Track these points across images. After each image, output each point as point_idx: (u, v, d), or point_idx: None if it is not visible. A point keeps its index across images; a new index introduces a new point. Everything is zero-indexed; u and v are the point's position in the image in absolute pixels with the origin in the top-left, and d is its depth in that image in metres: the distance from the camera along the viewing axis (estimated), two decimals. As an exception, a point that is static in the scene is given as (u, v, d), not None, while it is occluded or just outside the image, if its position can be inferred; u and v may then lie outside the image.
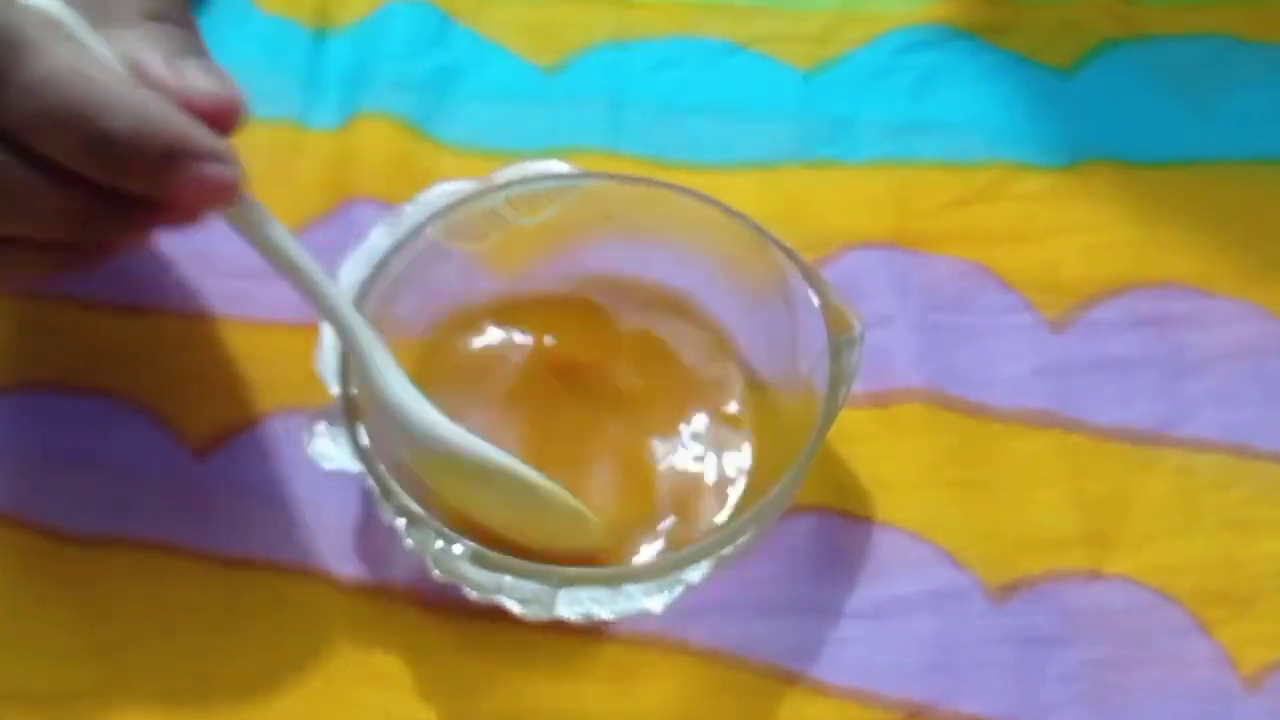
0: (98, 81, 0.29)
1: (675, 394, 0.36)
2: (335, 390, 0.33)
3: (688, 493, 0.35)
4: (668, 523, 0.34)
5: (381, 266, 0.35)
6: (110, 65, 0.30)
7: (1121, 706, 0.33)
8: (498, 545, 0.31)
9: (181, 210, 0.31)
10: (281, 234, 0.32)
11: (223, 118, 0.30)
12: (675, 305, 0.37)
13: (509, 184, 0.36)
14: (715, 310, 0.37)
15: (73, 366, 0.38)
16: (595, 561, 0.33)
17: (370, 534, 0.34)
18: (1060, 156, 0.42)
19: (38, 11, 0.30)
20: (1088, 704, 0.33)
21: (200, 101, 0.30)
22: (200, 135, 0.30)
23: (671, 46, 0.45)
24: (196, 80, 0.30)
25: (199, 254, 0.39)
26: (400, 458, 0.33)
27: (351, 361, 0.33)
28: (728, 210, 0.36)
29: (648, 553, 0.34)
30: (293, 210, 0.40)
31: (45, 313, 0.39)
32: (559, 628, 0.33)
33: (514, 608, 0.31)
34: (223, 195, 0.30)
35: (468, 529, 0.32)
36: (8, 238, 0.31)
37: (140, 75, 0.30)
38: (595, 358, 0.37)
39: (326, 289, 0.33)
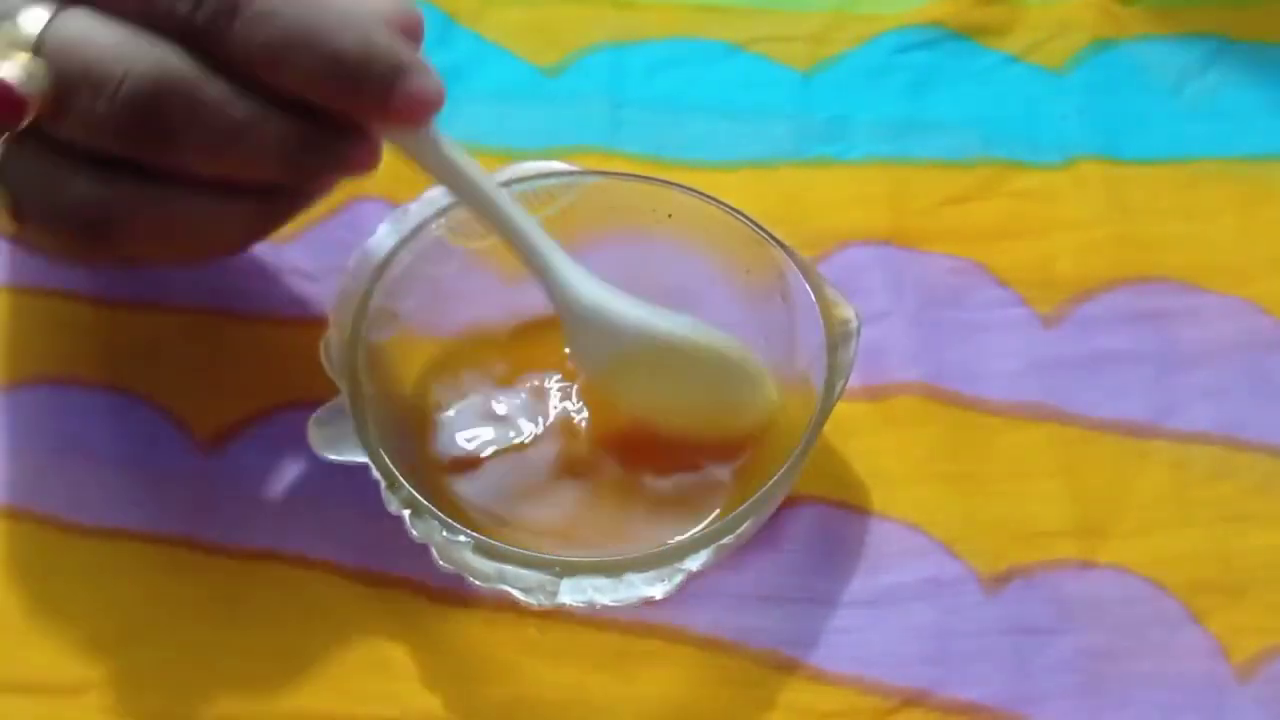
0: (319, 6, 0.30)
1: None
2: (341, 384, 0.33)
3: (688, 485, 0.35)
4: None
5: (387, 263, 0.35)
6: None
7: (1114, 695, 0.33)
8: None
9: (371, 147, 0.32)
10: (460, 155, 0.33)
11: (412, 32, 0.32)
12: (675, 302, 0.38)
13: (510, 182, 0.37)
14: (714, 306, 0.38)
15: (80, 361, 0.38)
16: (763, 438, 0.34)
17: (375, 525, 0.34)
18: (1053, 155, 0.42)
19: None
20: (1081, 693, 0.33)
21: (393, 19, 0.31)
22: (411, 50, 0.31)
23: (671, 47, 0.45)
24: (382, 3, 0.31)
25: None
26: (600, 367, 0.34)
27: (537, 278, 0.34)
28: (726, 208, 0.36)
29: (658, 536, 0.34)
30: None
31: (53, 308, 0.39)
32: (561, 615, 0.33)
33: (517, 596, 0.32)
34: (434, 106, 0.32)
35: (470, 522, 0.32)
36: (215, 186, 0.31)
37: None
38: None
39: (506, 207, 0.33)
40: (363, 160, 0.32)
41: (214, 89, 0.30)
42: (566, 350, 0.35)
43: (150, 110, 0.29)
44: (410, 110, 0.31)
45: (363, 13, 0.31)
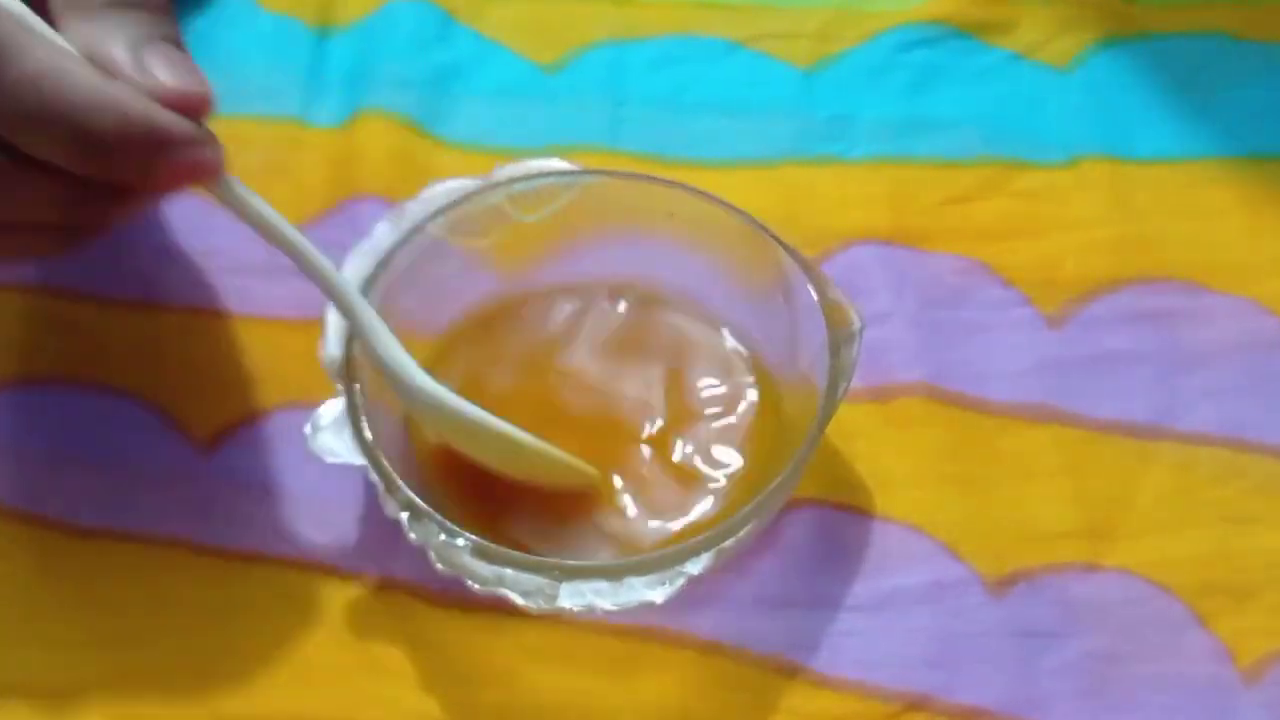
0: (77, 80, 0.29)
1: (676, 386, 0.37)
2: (339, 385, 0.33)
3: (688, 485, 0.35)
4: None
5: (385, 263, 0.35)
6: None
7: (1120, 698, 0.33)
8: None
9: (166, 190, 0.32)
10: (264, 206, 0.32)
11: (190, 110, 0.31)
12: (675, 301, 0.38)
13: (510, 181, 0.37)
14: (715, 306, 0.37)
15: (77, 361, 0.38)
16: (589, 499, 0.34)
17: (374, 528, 0.34)
18: (1057, 154, 0.42)
19: (8, 11, 0.30)
20: (1086, 696, 0.33)
21: (167, 97, 0.30)
22: (179, 124, 0.30)
23: (671, 45, 0.45)
24: (161, 76, 0.31)
25: (204, 250, 0.40)
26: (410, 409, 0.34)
27: (349, 329, 0.33)
28: (728, 206, 0.36)
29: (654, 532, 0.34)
30: (297, 207, 0.41)
31: (50, 307, 0.39)
32: (561, 619, 0.33)
33: (517, 600, 0.32)
34: (206, 177, 0.31)
35: (470, 523, 0.32)
36: (4, 223, 0.31)
37: (105, 70, 0.30)
38: (596, 356, 0.37)
39: (315, 258, 0.33)
40: (144, 203, 0.32)
41: None
42: None
43: None
44: (179, 183, 0.31)
45: (122, 89, 0.30)
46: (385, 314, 0.35)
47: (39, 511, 0.35)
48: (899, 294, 0.39)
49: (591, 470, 0.34)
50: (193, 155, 0.30)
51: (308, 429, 0.33)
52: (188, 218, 0.40)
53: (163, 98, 0.30)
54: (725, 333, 0.37)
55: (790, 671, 0.33)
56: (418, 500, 0.31)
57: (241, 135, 0.41)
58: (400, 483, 0.32)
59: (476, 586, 0.32)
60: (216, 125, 0.32)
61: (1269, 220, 0.41)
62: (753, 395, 0.36)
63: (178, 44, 0.32)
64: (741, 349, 0.37)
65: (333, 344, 0.34)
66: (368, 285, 0.35)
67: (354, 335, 0.34)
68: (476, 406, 0.33)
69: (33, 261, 0.34)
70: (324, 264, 0.33)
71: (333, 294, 0.33)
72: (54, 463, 0.36)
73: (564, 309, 0.38)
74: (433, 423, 0.34)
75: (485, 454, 0.34)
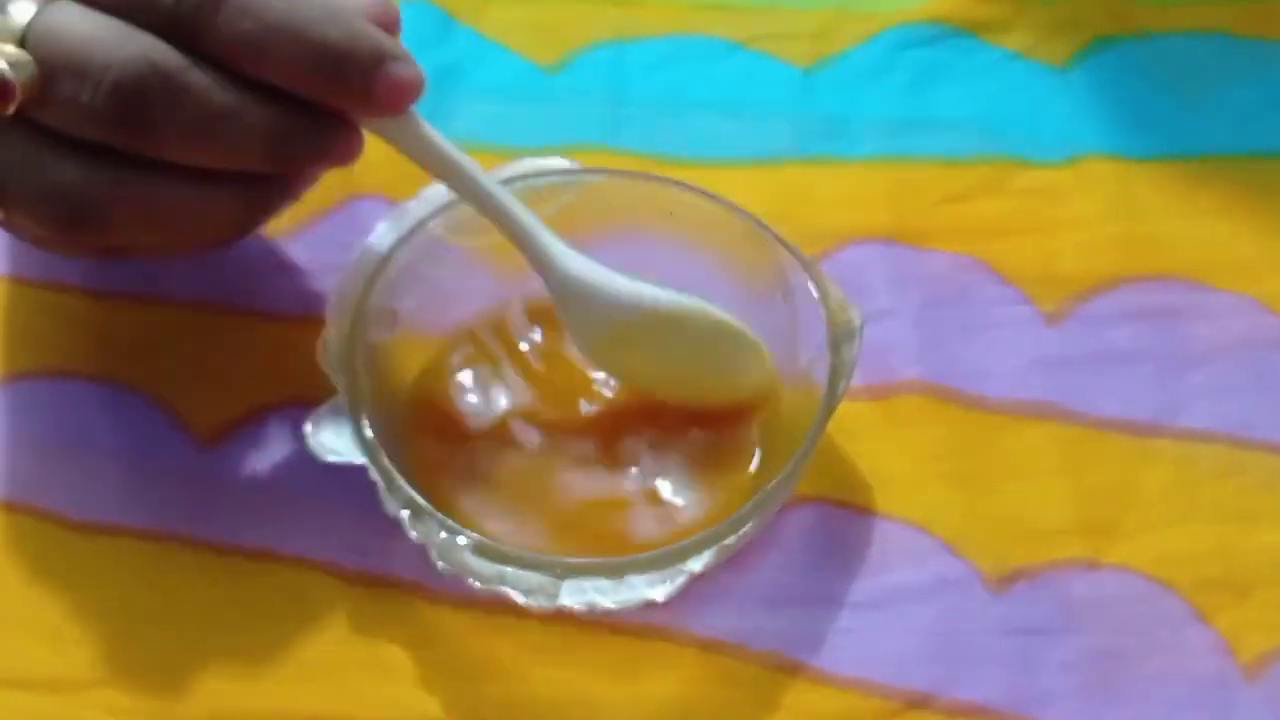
0: None
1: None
2: (339, 383, 0.33)
3: (688, 483, 0.35)
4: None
5: (386, 261, 0.35)
6: None
7: (1121, 695, 0.33)
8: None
9: (353, 136, 0.33)
10: (440, 139, 0.33)
11: (390, 25, 0.33)
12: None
13: (510, 180, 0.37)
14: (715, 304, 0.37)
15: (79, 355, 0.38)
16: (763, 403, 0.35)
17: (374, 526, 0.34)
18: (1057, 152, 0.42)
19: None
20: (1087, 693, 0.33)
21: (373, 12, 0.32)
22: (391, 40, 0.32)
23: (671, 44, 0.45)
24: None
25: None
26: (584, 349, 0.35)
27: (523, 253, 0.34)
28: (728, 205, 0.36)
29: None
30: (298, 206, 0.41)
31: (53, 301, 0.39)
32: (562, 617, 0.33)
33: (517, 598, 0.32)
34: (414, 94, 0.32)
35: (470, 521, 0.32)
36: (199, 175, 0.32)
37: None
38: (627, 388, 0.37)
39: (489, 187, 0.34)
40: (346, 150, 0.33)
41: (196, 79, 0.30)
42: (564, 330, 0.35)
43: (133, 99, 0.30)
44: (392, 98, 0.32)
45: (344, 5, 0.31)
46: (385, 314, 0.35)
47: (39, 505, 0.36)
48: (899, 292, 0.39)
49: (770, 363, 0.35)
50: (407, 70, 0.32)
51: (308, 427, 0.33)
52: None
53: (370, 14, 0.32)
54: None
55: (791, 669, 0.33)
56: (418, 498, 0.32)
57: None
58: (401, 481, 0.32)
59: (477, 584, 0.32)
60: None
61: (1269, 218, 0.41)
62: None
63: None
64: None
65: (333, 342, 0.34)
66: (369, 284, 0.35)
67: (536, 266, 0.34)
68: (669, 292, 0.34)
69: (204, 243, 0.35)
70: (505, 199, 0.34)
71: (510, 225, 0.34)
72: (55, 456, 0.36)
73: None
74: (627, 341, 0.35)
75: (677, 357, 0.35)
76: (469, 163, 0.34)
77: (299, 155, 0.32)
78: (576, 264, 0.34)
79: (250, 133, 0.31)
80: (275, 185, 0.34)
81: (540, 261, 0.34)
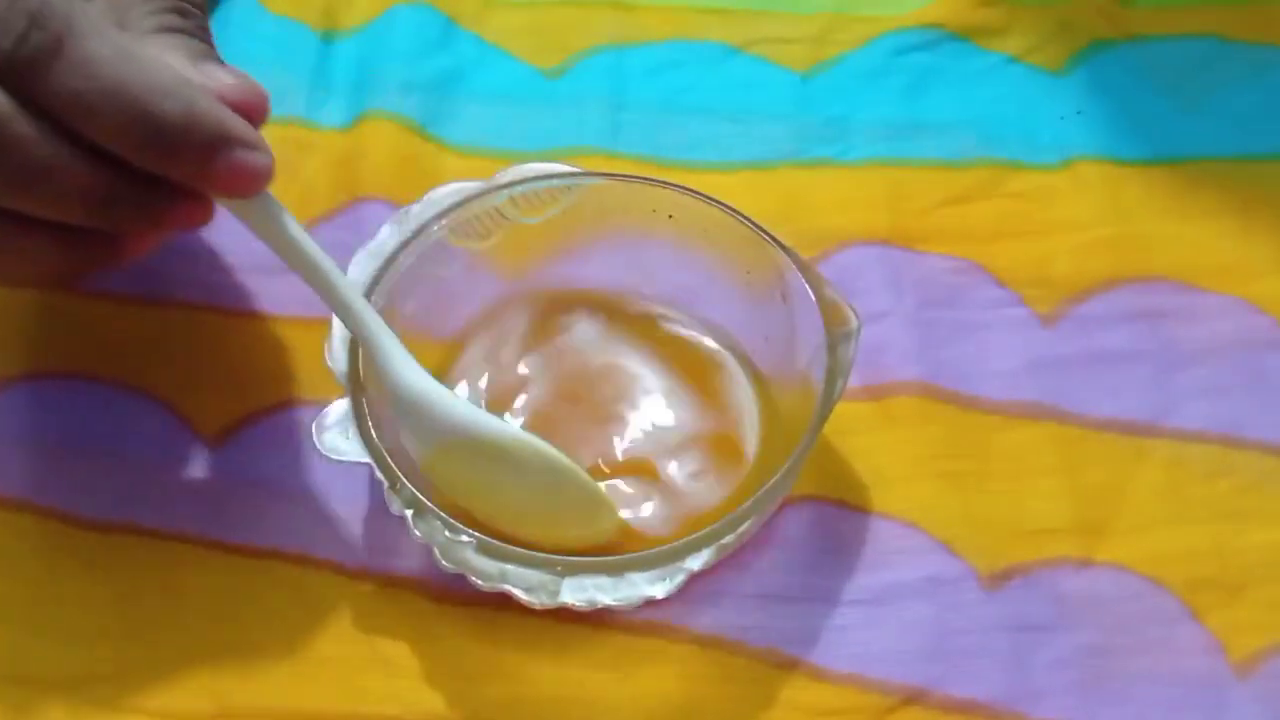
0: (150, 66, 0.30)
1: (678, 387, 0.37)
2: (344, 384, 0.34)
3: (688, 482, 0.35)
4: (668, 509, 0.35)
5: (389, 264, 0.35)
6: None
7: (1113, 692, 0.33)
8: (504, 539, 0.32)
9: (195, 206, 0.32)
10: (295, 227, 0.32)
11: (250, 111, 0.31)
12: (675, 301, 0.38)
13: (512, 184, 0.37)
14: (715, 306, 0.38)
15: (88, 356, 0.38)
16: (605, 552, 0.33)
17: (378, 524, 0.34)
18: (1052, 155, 0.43)
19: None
20: (1080, 690, 0.33)
21: (230, 96, 0.31)
22: (242, 124, 0.31)
23: (670, 49, 0.46)
24: (223, 77, 0.31)
25: (213, 248, 0.40)
26: (416, 458, 0.33)
27: (365, 356, 0.33)
28: (726, 209, 0.37)
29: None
30: (302, 208, 0.41)
31: (62, 303, 0.39)
32: (563, 614, 0.33)
33: (519, 595, 0.32)
34: (259, 181, 0.31)
35: (473, 519, 0.33)
36: (24, 218, 0.31)
37: None
38: (598, 354, 0.37)
39: (339, 282, 0.33)
40: (187, 218, 0.32)
41: (21, 127, 0.29)
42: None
43: None
44: (231, 184, 0.31)
45: (190, 83, 0.30)
46: (389, 315, 0.35)
47: (49, 505, 0.36)
48: (895, 294, 0.40)
49: (614, 516, 0.34)
50: (251, 158, 0.31)
51: (314, 427, 0.33)
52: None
53: (227, 97, 0.31)
54: (724, 333, 0.38)
55: (789, 665, 0.34)
56: (422, 498, 0.32)
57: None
58: (405, 481, 0.32)
59: (480, 582, 0.32)
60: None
61: (1260, 220, 0.41)
62: (750, 395, 0.37)
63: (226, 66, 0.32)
64: (739, 349, 0.37)
65: (339, 343, 0.34)
66: (372, 286, 0.35)
67: (375, 368, 0.33)
68: (511, 425, 0.33)
69: (33, 281, 0.33)
70: (352, 296, 0.33)
71: (358, 329, 0.33)
72: (64, 457, 0.37)
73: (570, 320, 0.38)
74: (457, 461, 0.33)
75: (506, 491, 0.33)
76: (323, 257, 0.33)
77: (126, 218, 0.31)
78: (411, 375, 0.33)
79: (71, 189, 0.30)
80: (100, 241, 0.32)
81: (381, 368, 0.33)
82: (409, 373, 0.33)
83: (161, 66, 0.30)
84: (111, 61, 0.29)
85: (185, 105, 0.30)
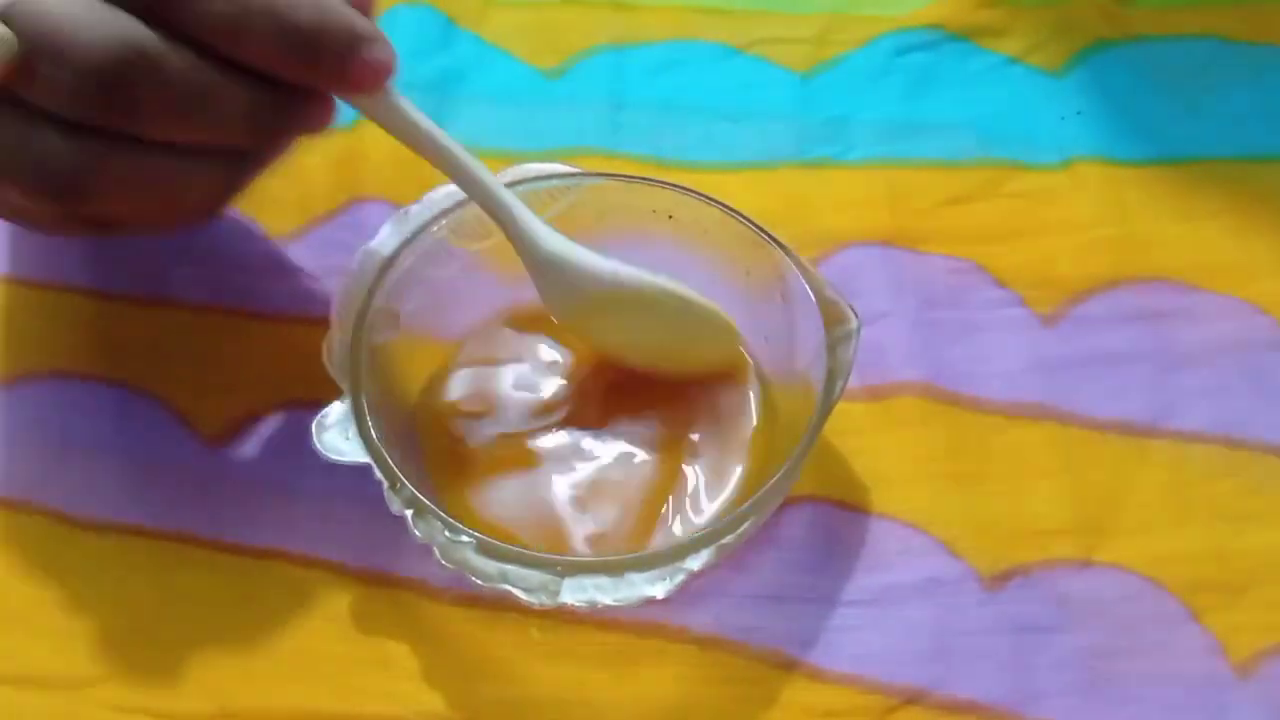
0: None
1: (678, 386, 0.37)
2: (344, 384, 0.34)
3: (689, 482, 0.35)
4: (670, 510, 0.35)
5: (389, 265, 0.35)
6: None
7: (1114, 693, 0.33)
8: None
9: (326, 107, 0.33)
10: (419, 115, 0.34)
11: (363, 4, 0.33)
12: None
13: (512, 184, 0.37)
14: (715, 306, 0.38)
15: (88, 356, 0.38)
16: (733, 372, 0.36)
17: (378, 524, 0.34)
18: (1052, 156, 0.43)
19: None
20: (1081, 691, 0.33)
21: None
22: (363, 20, 0.32)
23: (671, 50, 0.46)
24: None
25: (213, 248, 0.40)
26: (559, 315, 0.36)
27: (500, 226, 0.35)
28: (727, 209, 0.37)
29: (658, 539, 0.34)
30: (302, 208, 0.41)
31: (62, 303, 0.39)
32: (563, 615, 0.33)
33: (519, 595, 0.32)
34: (387, 73, 0.33)
35: (473, 522, 0.33)
36: (190, 147, 0.32)
37: None
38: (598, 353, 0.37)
39: (468, 162, 0.34)
40: (320, 120, 0.33)
41: (175, 58, 0.30)
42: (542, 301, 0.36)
43: (114, 79, 0.30)
44: (365, 79, 0.32)
45: None
46: (388, 316, 0.35)
47: (46, 504, 0.36)
48: (896, 294, 0.40)
49: (738, 340, 0.36)
50: (380, 50, 0.32)
51: (313, 427, 0.33)
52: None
53: None
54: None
55: (789, 665, 0.34)
56: (422, 498, 0.32)
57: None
58: (404, 481, 0.32)
59: (480, 582, 0.32)
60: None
61: (1261, 221, 0.41)
62: (751, 396, 0.37)
63: None
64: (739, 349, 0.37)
65: (338, 344, 0.34)
66: (372, 286, 0.35)
67: (512, 237, 0.35)
68: (644, 272, 0.35)
69: (191, 218, 0.35)
70: (480, 171, 0.34)
71: (486, 198, 0.35)
72: (62, 456, 0.37)
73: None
74: (600, 311, 0.35)
75: (646, 330, 0.36)
76: (447, 139, 0.34)
77: (277, 129, 0.33)
78: (548, 238, 0.35)
79: (228, 110, 0.31)
80: (252, 156, 0.34)
81: (514, 234, 0.35)
82: (547, 236, 0.35)
83: None
84: None
85: (319, 10, 0.31)
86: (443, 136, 0.34)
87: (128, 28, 0.30)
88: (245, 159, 0.34)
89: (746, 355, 0.37)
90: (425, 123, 0.34)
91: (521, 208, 0.35)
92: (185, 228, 0.37)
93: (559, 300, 0.35)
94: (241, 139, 0.32)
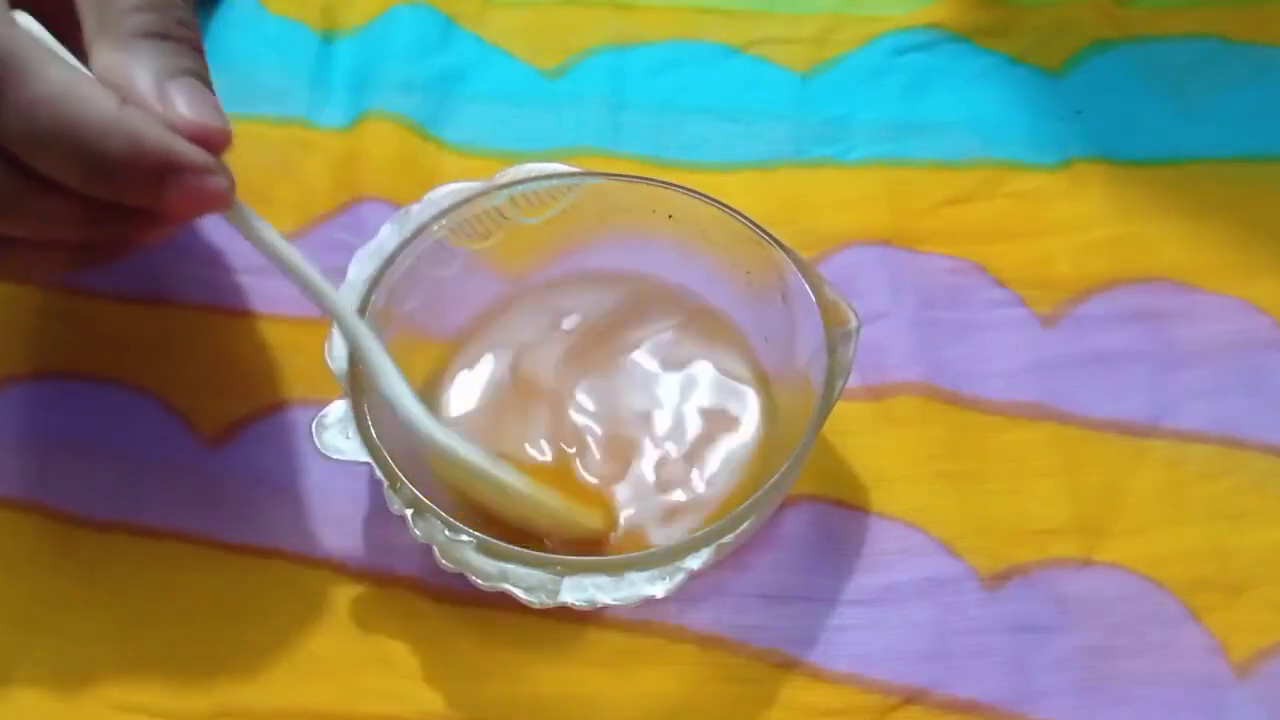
0: (91, 103, 0.29)
1: (678, 386, 0.37)
2: (344, 384, 0.34)
3: (689, 481, 0.35)
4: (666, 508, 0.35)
5: (389, 264, 0.36)
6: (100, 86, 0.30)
7: (1113, 693, 0.33)
8: (504, 533, 0.32)
9: (164, 225, 0.32)
10: (274, 235, 0.32)
11: (208, 144, 0.31)
12: (676, 302, 0.38)
13: (512, 184, 0.37)
14: (715, 306, 0.38)
15: (89, 356, 0.38)
16: (599, 547, 0.34)
17: (378, 524, 0.34)
18: (1051, 156, 0.43)
19: (28, 31, 0.30)
20: (1080, 690, 0.33)
21: (184, 128, 0.31)
22: (190, 151, 0.30)
23: (671, 49, 0.46)
24: (181, 110, 0.31)
25: (214, 248, 0.40)
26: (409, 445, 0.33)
27: (357, 359, 0.33)
28: (727, 209, 0.37)
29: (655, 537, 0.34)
30: (302, 208, 0.41)
31: (62, 303, 0.39)
32: (563, 614, 0.33)
33: (519, 595, 0.32)
34: (215, 204, 0.31)
35: (473, 519, 0.33)
36: (17, 239, 0.31)
37: (128, 98, 0.30)
38: (600, 353, 0.37)
39: (323, 287, 0.33)
40: (153, 233, 0.32)
41: None
42: None
43: None
44: (184, 209, 0.31)
45: (135, 114, 0.30)
46: (388, 316, 0.35)
47: (49, 503, 0.36)
48: (895, 294, 0.40)
49: (594, 523, 0.34)
50: (203, 183, 0.30)
51: (314, 427, 0.33)
52: (199, 218, 0.41)
53: (180, 128, 0.30)
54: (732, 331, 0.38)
55: (788, 665, 0.34)
56: (422, 497, 0.32)
57: (249, 135, 0.42)
58: (404, 480, 0.32)
59: (480, 582, 0.32)
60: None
61: (1260, 221, 0.41)
62: (752, 397, 0.37)
63: (203, 79, 0.32)
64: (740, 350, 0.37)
65: (339, 347, 0.34)
66: (372, 286, 0.35)
67: (356, 359, 0.33)
68: (478, 451, 0.33)
69: (53, 278, 0.34)
70: (328, 290, 0.33)
71: (338, 319, 0.33)
72: (65, 455, 0.37)
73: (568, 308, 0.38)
74: (437, 461, 0.33)
75: (488, 498, 0.34)
76: (296, 255, 0.32)
77: (112, 233, 0.32)
78: (395, 386, 0.32)
79: (51, 218, 0.31)
80: (97, 250, 0.33)
81: (366, 367, 0.33)
82: (391, 382, 0.32)
83: (103, 100, 0.30)
84: (52, 101, 0.29)
85: (128, 140, 0.29)
86: (292, 252, 0.32)
87: None
88: (89, 250, 0.33)
89: (615, 523, 0.35)
90: (275, 239, 0.32)
91: (376, 345, 0.33)
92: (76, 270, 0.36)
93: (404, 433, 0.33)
94: (69, 237, 0.32)
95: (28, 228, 0.31)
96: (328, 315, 0.33)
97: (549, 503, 0.34)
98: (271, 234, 0.32)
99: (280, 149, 0.42)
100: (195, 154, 0.30)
